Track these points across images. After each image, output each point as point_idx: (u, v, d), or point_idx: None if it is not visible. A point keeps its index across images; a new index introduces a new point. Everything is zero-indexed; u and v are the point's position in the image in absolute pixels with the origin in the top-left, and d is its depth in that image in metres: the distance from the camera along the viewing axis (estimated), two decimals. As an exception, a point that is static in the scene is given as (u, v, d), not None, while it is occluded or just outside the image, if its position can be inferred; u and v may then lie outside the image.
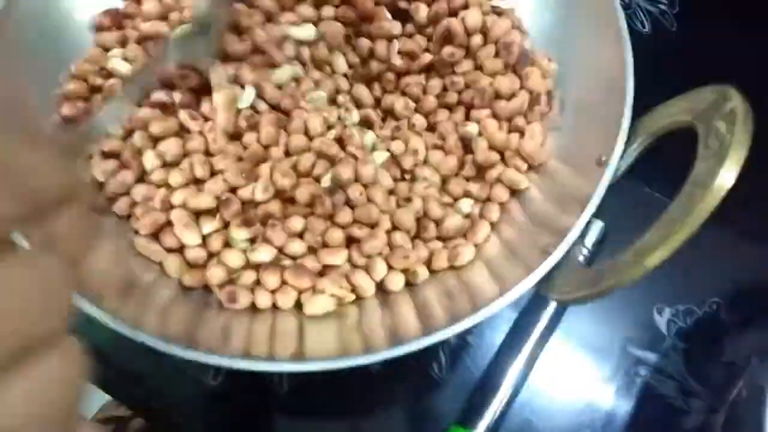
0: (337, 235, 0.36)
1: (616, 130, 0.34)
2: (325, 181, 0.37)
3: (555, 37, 0.42)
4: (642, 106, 0.36)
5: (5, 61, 0.36)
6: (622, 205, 0.37)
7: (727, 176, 0.27)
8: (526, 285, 0.32)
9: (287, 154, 0.38)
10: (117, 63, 0.39)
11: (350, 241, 0.37)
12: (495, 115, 0.40)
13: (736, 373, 0.43)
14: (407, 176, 0.39)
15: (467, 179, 0.39)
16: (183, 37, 0.37)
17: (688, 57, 0.53)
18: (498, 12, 0.43)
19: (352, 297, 0.36)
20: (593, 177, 0.34)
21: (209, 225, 0.36)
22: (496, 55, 0.41)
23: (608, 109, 0.35)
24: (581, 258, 0.36)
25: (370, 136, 0.39)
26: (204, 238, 0.36)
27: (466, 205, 0.38)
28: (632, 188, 0.40)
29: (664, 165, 0.39)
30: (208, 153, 0.38)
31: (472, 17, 0.40)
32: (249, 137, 0.38)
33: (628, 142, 0.33)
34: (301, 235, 0.37)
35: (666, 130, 0.33)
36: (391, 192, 0.38)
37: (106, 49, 0.40)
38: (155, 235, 0.36)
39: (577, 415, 0.44)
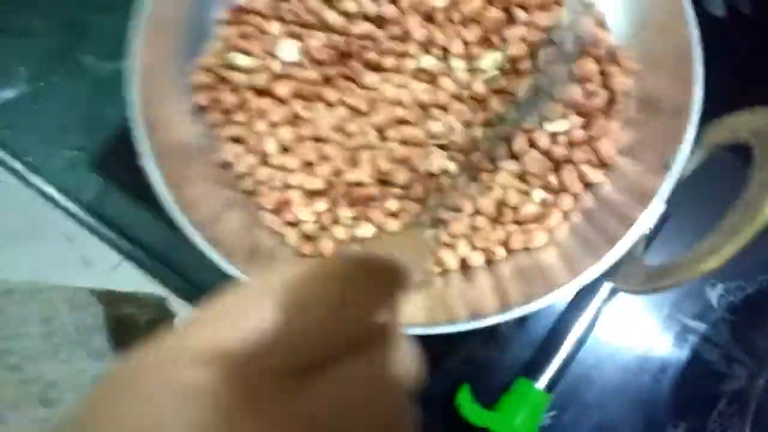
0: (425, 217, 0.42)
1: (681, 137, 0.38)
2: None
3: (629, 36, 0.45)
4: (717, 104, 0.39)
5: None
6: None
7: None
8: (594, 272, 0.37)
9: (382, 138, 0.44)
10: (237, 58, 0.45)
11: (437, 222, 0.43)
12: (577, 112, 0.44)
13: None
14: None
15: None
16: None
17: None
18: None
19: (438, 270, 0.42)
20: (660, 177, 0.38)
21: (321, 204, 0.42)
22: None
23: (677, 113, 0.39)
24: (640, 244, 0.41)
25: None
26: (317, 215, 0.42)
27: (540, 194, 0.43)
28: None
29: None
30: (318, 140, 0.44)
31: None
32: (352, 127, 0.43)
33: (693, 149, 0.37)
34: (395, 215, 0.43)
35: (727, 143, 0.37)
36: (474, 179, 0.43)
37: (229, 44, 0.46)
38: (277, 211, 0.43)
39: (628, 372, 0.50)
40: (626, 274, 0.39)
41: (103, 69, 0.56)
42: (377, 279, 0.20)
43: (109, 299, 0.58)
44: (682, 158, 0.37)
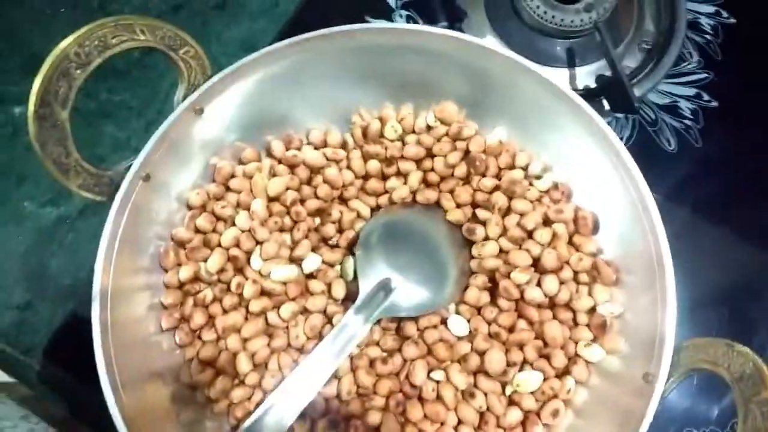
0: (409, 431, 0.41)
1: (659, 353, 0.38)
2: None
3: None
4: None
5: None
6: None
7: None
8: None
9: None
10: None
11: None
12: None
13: None
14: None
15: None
16: None
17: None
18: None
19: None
20: (642, 394, 0.38)
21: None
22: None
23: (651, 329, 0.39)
24: None
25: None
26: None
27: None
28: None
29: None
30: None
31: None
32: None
33: (672, 371, 0.37)
34: (378, 430, 0.42)
35: (705, 372, 0.37)
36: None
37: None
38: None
39: None
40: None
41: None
42: None
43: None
44: (663, 377, 0.37)
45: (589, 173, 0.44)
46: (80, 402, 0.51)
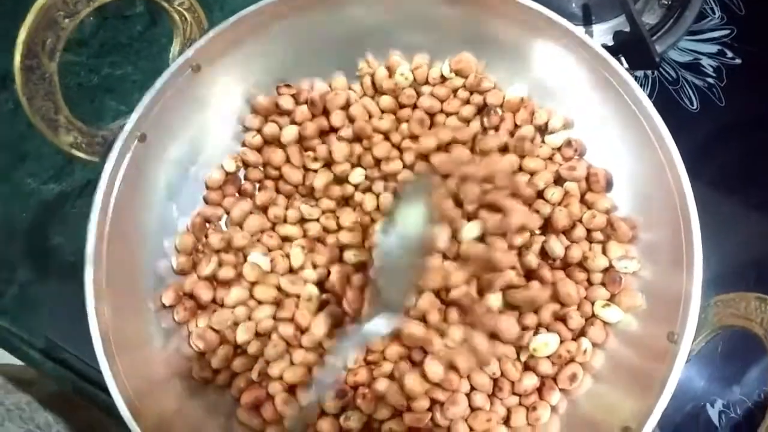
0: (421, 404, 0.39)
1: (685, 310, 0.36)
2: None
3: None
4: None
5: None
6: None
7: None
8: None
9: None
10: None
11: (433, 402, 0.40)
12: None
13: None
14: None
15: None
16: None
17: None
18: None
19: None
20: (666, 356, 0.35)
21: (307, 398, 0.39)
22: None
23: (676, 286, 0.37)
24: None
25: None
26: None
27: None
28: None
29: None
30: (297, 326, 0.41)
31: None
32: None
33: (699, 331, 0.35)
34: (383, 398, 0.40)
35: (735, 329, 0.35)
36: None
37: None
38: (256, 407, 0.39)
39: None
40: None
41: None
42: None
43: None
44: (689, 336, 0.35)
45: (609, 128, 0.42)
46: (84, 379, 0.50)
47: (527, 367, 0.40)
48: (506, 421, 0.40)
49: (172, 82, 0.40)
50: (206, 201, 0.45)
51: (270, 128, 0.45)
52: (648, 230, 0.41)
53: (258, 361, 0.40)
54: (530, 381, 0.40)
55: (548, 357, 0.40)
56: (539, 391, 0.40)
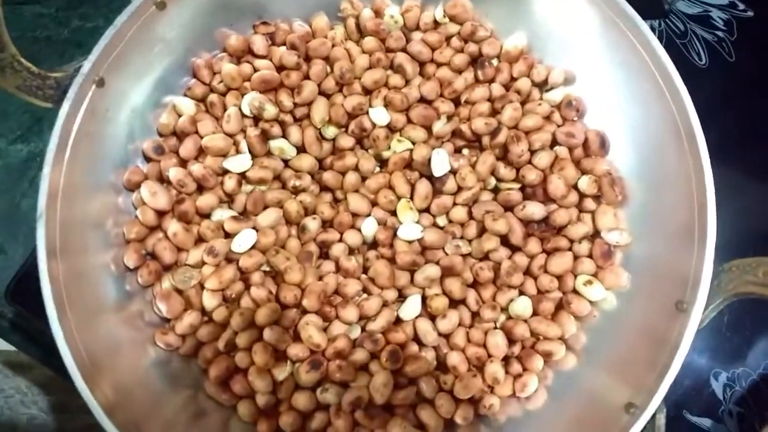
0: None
1: (696, 276, 0.33)
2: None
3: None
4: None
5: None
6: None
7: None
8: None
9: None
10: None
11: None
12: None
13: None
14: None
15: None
16: None
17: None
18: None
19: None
20: (674, 326, 0.33)
21: (283, 372, 0.36)
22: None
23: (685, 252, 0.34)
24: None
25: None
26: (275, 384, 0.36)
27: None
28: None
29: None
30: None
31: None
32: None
33: (711, 297, 0.32)
34: (367, 369, 0.37)
35: (751, 297, 0.32)
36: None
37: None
38: (225, 381, 0.36)
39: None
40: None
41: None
42: None
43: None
44: (700, 304, 0.32)
45: (615, 79, 0.39)
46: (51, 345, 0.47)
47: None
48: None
49: (133, 20, 0.36)
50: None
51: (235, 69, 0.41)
52: (655, 190, 0.37)
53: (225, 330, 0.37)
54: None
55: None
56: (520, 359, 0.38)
